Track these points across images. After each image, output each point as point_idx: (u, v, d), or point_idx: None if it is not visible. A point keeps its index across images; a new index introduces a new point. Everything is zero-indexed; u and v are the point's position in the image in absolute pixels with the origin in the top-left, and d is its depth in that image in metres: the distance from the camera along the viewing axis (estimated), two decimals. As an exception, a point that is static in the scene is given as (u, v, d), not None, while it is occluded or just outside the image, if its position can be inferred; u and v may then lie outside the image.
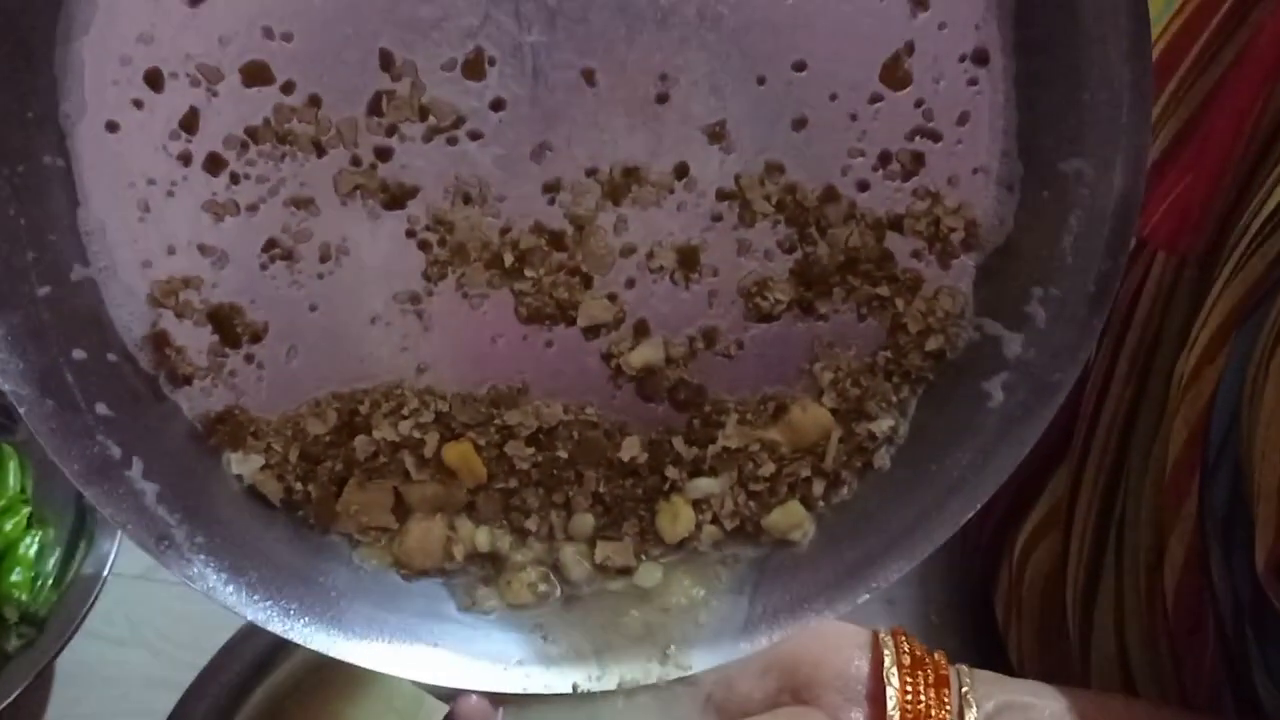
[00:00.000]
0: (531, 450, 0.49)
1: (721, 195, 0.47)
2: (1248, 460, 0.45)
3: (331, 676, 0.60)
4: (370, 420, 0.48)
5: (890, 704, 0.45)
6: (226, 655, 0.58)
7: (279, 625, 0.47)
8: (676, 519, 0.50)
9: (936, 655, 0.47)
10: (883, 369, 0.50)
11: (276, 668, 0.58)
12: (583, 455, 0.49)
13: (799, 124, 0.47)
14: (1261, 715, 0.48)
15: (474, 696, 0.48)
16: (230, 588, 0.46)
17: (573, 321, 0.48)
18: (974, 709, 0.45)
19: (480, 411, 0.49)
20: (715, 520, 0.50)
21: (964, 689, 0.46)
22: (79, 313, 0.44)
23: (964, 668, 0.47)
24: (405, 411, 0.48)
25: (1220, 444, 0.47)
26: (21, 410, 0.43)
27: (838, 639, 0.48)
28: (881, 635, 0.48)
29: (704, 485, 0.50)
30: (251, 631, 0.59)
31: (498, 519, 0.50)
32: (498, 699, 0.49)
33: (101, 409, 0.44)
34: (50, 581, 0.64)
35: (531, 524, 0.50)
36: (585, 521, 0.50)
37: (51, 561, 0.65)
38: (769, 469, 0.50)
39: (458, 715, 0.49)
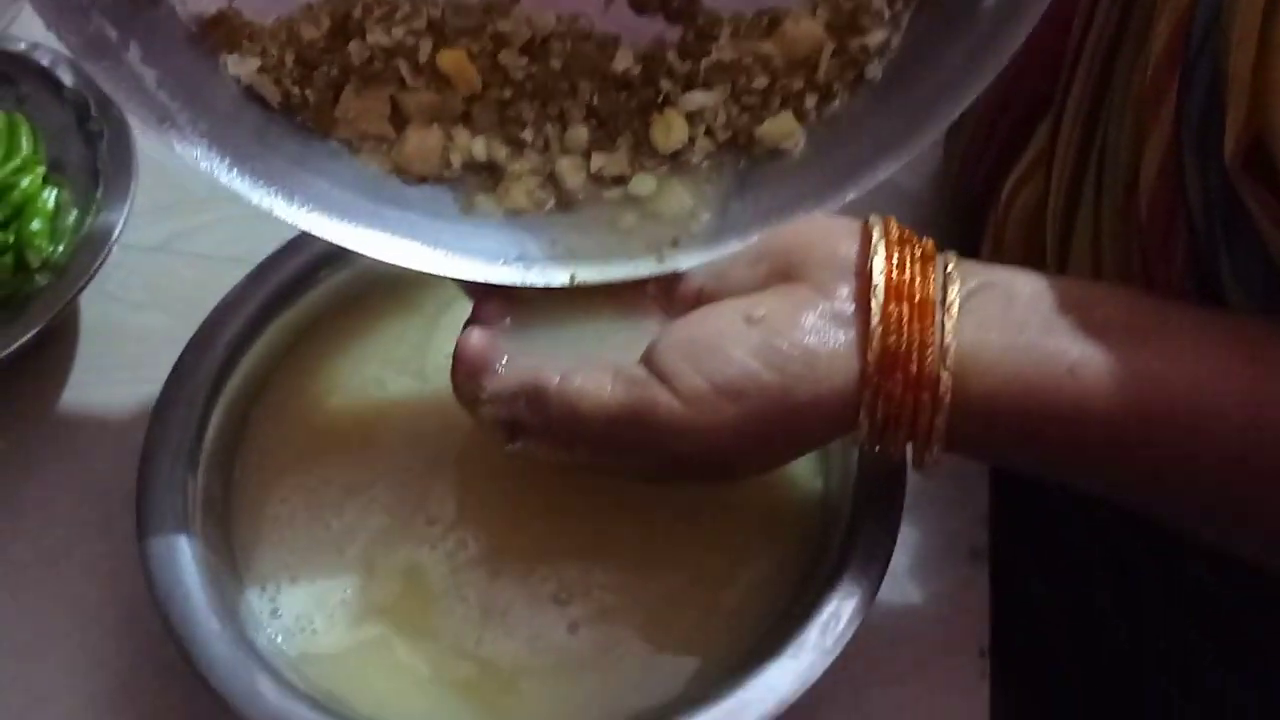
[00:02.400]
0: (525, 60, 0.49)
1: None
2: (1224, 52, 0.45)
3: (344, 317, 0.61)
4: (364, 25, 0.48)
5: (876, 274, 0.46)
6: (242, 289, 0.59)
7: (283, 210, 0.48)
8: (670, 130, 0.50)
9: (925, 240, 0.48)
10: (878, -19, 0.50)
11: (291, 305, 0.59)
12: (576, 66, 0.50)
13: None
14: None
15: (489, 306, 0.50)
16: (235, 172, 0.48)
17: (563, -77, 0.48)
18: (957, 284, 0.46)
19: (473, 18, 0.49)
20: (709, 132, 0.51)
21: (949, 267, 0.47)
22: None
23: (951, 253, 0.48)
24: (398, 17, 0.48)
25: (1200, 41, 0.47)
26: (13, -26, 0.43)
27: (829, 226, 0.49)
28: (870, 219, 0.48)
29: (698, 98, 0.50)
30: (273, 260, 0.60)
31: (494, 129, 0.50)
32: (506, 308, 0.51)
33: (94, -14, 0.44)
34: (68, 238, 0.65)
35: (527, 135, 0.50)
36: (580, 134, 0.50)
37: (69, 220, 0.66)
38: (762, 81, 0.50)
39: (476, 313, 0.51)
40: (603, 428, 0.47)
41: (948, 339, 0.45)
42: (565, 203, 0.51)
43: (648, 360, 0.47)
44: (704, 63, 0.50)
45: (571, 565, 0.54)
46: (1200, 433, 0.44)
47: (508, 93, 0.50)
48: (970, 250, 0.64)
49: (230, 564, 0.55)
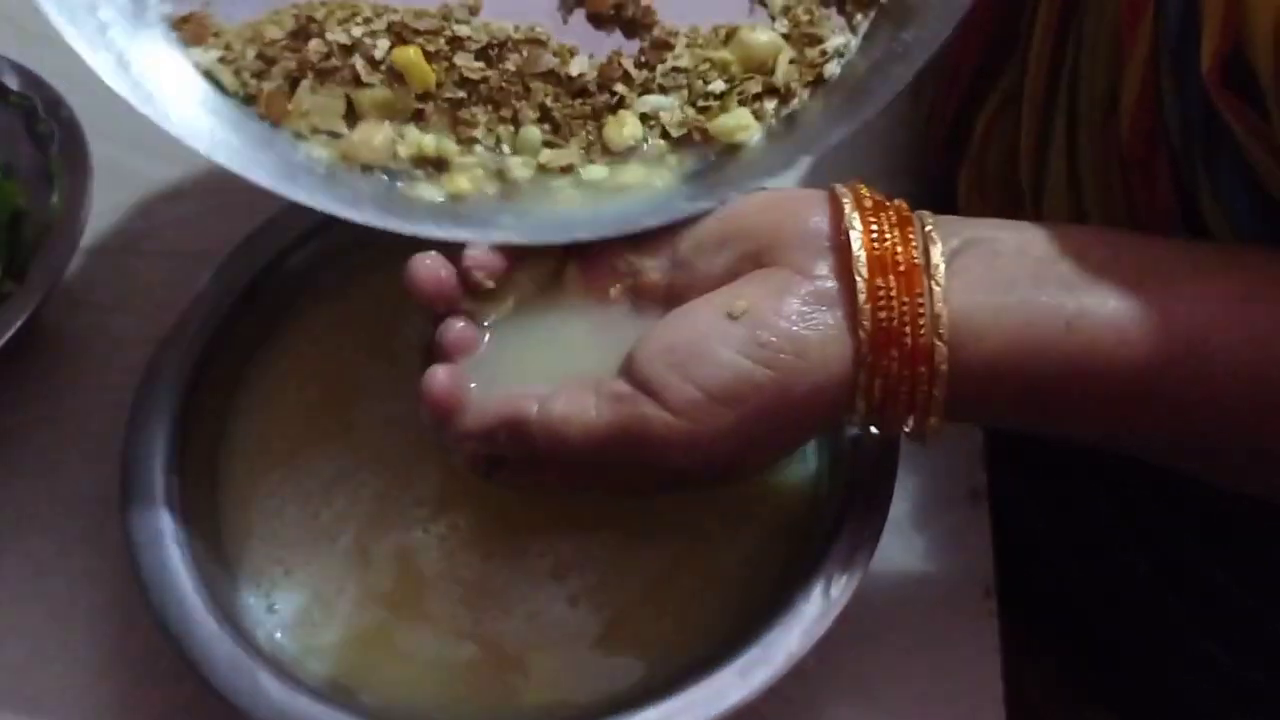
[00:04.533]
0: (481, 64, 0.49)
1: None
2: None
3: (312, 306, 0.60)
4: (324, 26, 0.49)
5: (855, 246, 0.44)
6: (209, 285, 0.58)
7: (243, 168, 0.48)
8: (623, 127, 0.50)
9: (896, 201, 0.46)
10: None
11: (259, 297, 0.58)
12: (530, 67, 0.49)
13: None
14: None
15: (449, 335, 0.48)
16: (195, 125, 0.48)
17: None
18: (939, 245, 0.44)
19: (433, 22, 0.49)
20: (664, 134, 0.50)
21: (928, 228, 0.45)
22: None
23: (926, 212, 0.46)
24: (359, 19, 0.49)
25: None
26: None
27: (794, 200, 0.47)
28: (837, 188, 0.46)
29: (654, 101, 0.50)
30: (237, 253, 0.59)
31: (446, 131, 0.50)
32: (467, 336, 0.48)
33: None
34: (26, 248, 0.64)
35: (479, 134, 0.50)
36: (532, 135, 0.50)
37: (24, 231, 0.65)
38: (719, 86, 0.50)
39: (436, 350, 0.48)
40: (594, 452, 0.44)
41: (938, 306, 0.43)
42: (509, 193, 0.50)
43: (629, 373, 0.45)
44: (659, 69, 0.50)
45: (566, 539, 0.54)
46: (1205, 376, 0.43)
47: (461, 93, 0.50)
48: (949, 190, 0.64)
49: (223, 563, 0.54)
